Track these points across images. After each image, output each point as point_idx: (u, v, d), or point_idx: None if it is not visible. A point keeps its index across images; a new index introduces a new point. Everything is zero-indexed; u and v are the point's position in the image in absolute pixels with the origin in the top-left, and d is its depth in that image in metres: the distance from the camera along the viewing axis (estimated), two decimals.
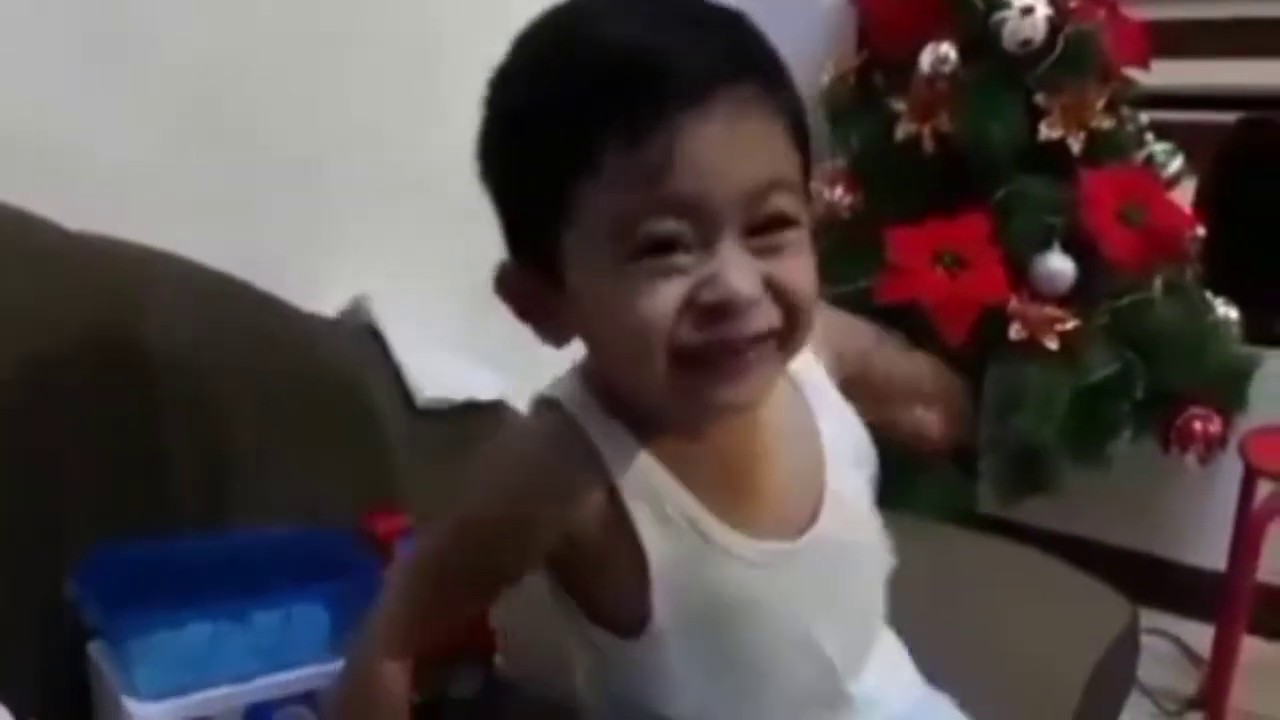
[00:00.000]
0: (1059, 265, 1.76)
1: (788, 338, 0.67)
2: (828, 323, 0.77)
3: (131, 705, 0.84)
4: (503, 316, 0.76)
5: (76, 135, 1.16)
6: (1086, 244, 1.76)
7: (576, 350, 0.73)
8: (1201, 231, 1.87)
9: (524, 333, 0.73)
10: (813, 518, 0.75)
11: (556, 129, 0.64)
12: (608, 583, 0.72)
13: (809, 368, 0.77)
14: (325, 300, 1.33)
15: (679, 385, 0.65)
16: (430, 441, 1.24)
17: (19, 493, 0.92)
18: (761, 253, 0.64)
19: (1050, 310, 1.73)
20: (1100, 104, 1.80)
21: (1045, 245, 1.77)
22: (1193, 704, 1.94)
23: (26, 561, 0.91)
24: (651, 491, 0.70)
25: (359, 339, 1.26)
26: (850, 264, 1.85)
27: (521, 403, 1.31)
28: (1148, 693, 1.89)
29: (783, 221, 0.65)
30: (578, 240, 0.65)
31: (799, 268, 0.66)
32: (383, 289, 1.39)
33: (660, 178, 0.61)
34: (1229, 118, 2.15)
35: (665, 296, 0.63)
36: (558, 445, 0.71)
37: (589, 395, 0.72)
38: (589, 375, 0.73)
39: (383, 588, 0.79)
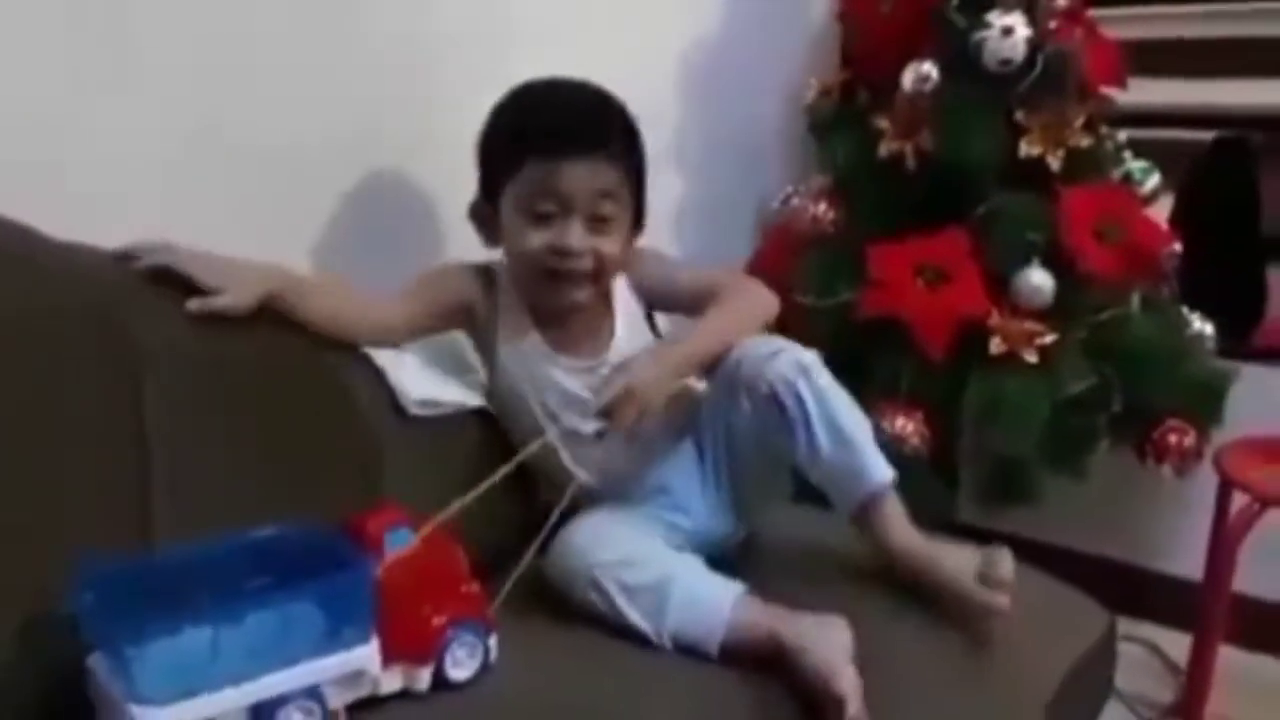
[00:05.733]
0: (1038, 280, 1.78)
1: (598, 276, 1.28)
2: (641, 263, 1.37)
3: (139, 712, 0.85)
4: None
5: (76, 146, 1.18)
6: (1065, 259, 1.79)
7: None
8: (1178, 247, 1.90)
9: None
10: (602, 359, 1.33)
11: (513, 144, 1.27)
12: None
13: (622, 291, 1.36)
14: None
15: (542, 286, 1.29)
16: (417, 448, 1.27)
17: (8, 507, 0.93)
18: (592, 230, 1.25)
19: (1029, 324, 1.76)
20: (1079, 122, 1.83)
21: (1025, 261, 1.80)
22: (1170, 712, 1.97)
23: (15, 577, 0.91)
24: (515, 318, 1.33)
25: (347, 352, 1.27)
26: (833, 277, 1.88)
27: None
28: (1125, 699, 1.92)
29: (605, 217, 1.26)
30: (510, 196, 1.27)
31: (609, 242, 1.27)
32: None
33: (549, 182, 1.23)
34: (1205, 136, 2.19)
35: (540, 238, 1.25)
36: (477, 267, 1.36)
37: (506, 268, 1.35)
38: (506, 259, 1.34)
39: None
